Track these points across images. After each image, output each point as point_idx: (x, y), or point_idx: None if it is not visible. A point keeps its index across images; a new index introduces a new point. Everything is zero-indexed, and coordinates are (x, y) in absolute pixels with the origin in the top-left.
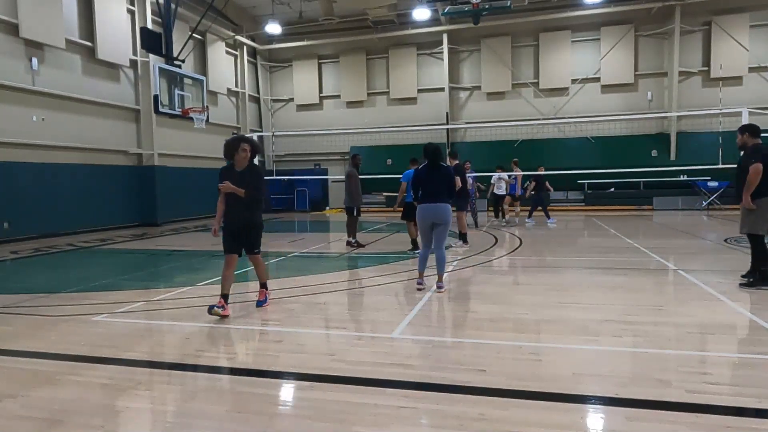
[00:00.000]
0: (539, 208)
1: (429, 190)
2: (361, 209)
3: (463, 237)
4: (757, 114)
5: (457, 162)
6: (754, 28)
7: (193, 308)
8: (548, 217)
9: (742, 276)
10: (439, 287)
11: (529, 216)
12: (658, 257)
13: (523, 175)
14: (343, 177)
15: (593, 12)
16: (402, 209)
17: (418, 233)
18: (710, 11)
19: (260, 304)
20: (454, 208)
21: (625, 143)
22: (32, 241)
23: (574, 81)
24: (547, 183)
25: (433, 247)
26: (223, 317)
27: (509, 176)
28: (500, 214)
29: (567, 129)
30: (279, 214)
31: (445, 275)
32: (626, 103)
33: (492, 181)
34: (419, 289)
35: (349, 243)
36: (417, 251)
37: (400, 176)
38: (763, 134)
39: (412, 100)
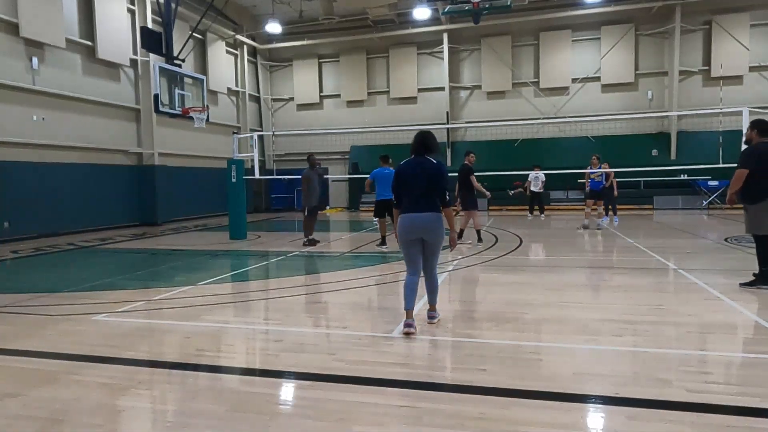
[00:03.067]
0: (611, 205)
1: (412, 194)
2: (318, 209)
3: (460, 234)
4: (757, 113)
5: (465, 163)
6: (754, 28)
7: (193, 308)
8: (610, 214)
9: (754, 274)
10: (431, 317)
11: (615, 213)
12: (659, 257)
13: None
14: (342, 177)
15: (593, 11)
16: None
17: (404, 256)
18: (710, 10)
19: None
20: (459, 212)
21: (625, 143)
22: (32, 241)
23: (574, 80)
24: (614, 182)
25: (423, 271)
26: None
27: (591, 173)
28: (539, 211)
29: (567, 128)
30: (279, 214)
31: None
32: (626, 102)
33: (529, 179)
34: (408, 333)
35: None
36: (384, 246)
37: None
38: None
39: (412, 100)
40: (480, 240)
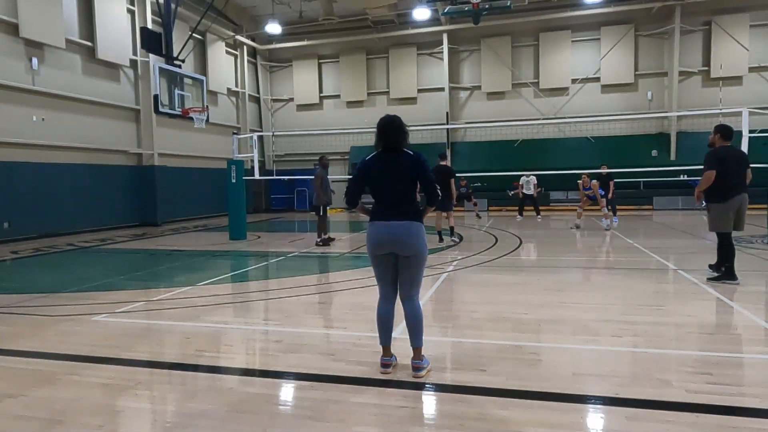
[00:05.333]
0: (610, 206)
1: (384, 198)
2: (327, 209)
3: (440, 234)
4: (757, 114)
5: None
6: (754, 28)
7: (193, 308)
8: (609, 214)
9: (710, 266)
10: (416, 369)
11: (614, 214)
12: (658, 257)
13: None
14: (342, 177)
15: (593, 12)
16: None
17: (375, 276)
18: (710, 11)
19: None
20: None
21: (625, 143)
22: (32, 241)
23: (574, 81)
24: (611, 183)
25: (400, 298)
26: None
27: (585, 190)
28: (534, 212)
29: (567, 129)
30: (279, 214)
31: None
32: (626, 102)
33: (521, 182)
34: (386, 373)
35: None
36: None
37: None
38: (762, 134)
39: (412, 100)
40: (452, 235)
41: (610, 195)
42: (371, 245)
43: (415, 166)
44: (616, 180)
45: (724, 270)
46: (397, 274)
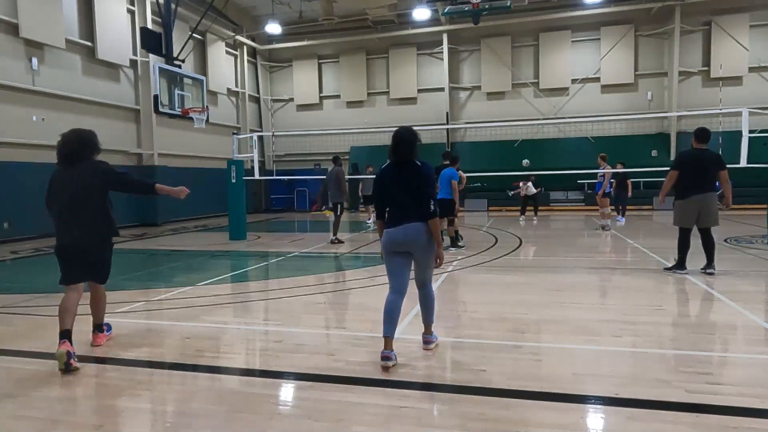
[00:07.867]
0: (620, 206)
1: (396, 204)
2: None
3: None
4: (757, 114)
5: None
6: (754, 28)
7: (193, 308)
8: (622, 215)
9: (701, 269)
10: (427, 342)
11: (622, 215)
12: (658, 257)
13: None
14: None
15: (593, 12)
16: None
17: (386, 269)
18: (710, 11)
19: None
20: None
21: (625, 143)
22: (32, 241)
23: (574, 81)
24: (628, 182)
25: (415, 285)
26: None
27: (599, 173)
28: (533, 212)
29: (567, 129)
30: (279, 214)
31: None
32: (626, 103)
33: (521, 185)
34: (386, 367)
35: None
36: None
37: None
38: (762, 134)
39: (412, 100)
40: (452, 244)
41: (629, 194)
42: (386, 244)
43: (419, 178)
44: (615, 180)
45: (677, 261)
46: (408, 270)
